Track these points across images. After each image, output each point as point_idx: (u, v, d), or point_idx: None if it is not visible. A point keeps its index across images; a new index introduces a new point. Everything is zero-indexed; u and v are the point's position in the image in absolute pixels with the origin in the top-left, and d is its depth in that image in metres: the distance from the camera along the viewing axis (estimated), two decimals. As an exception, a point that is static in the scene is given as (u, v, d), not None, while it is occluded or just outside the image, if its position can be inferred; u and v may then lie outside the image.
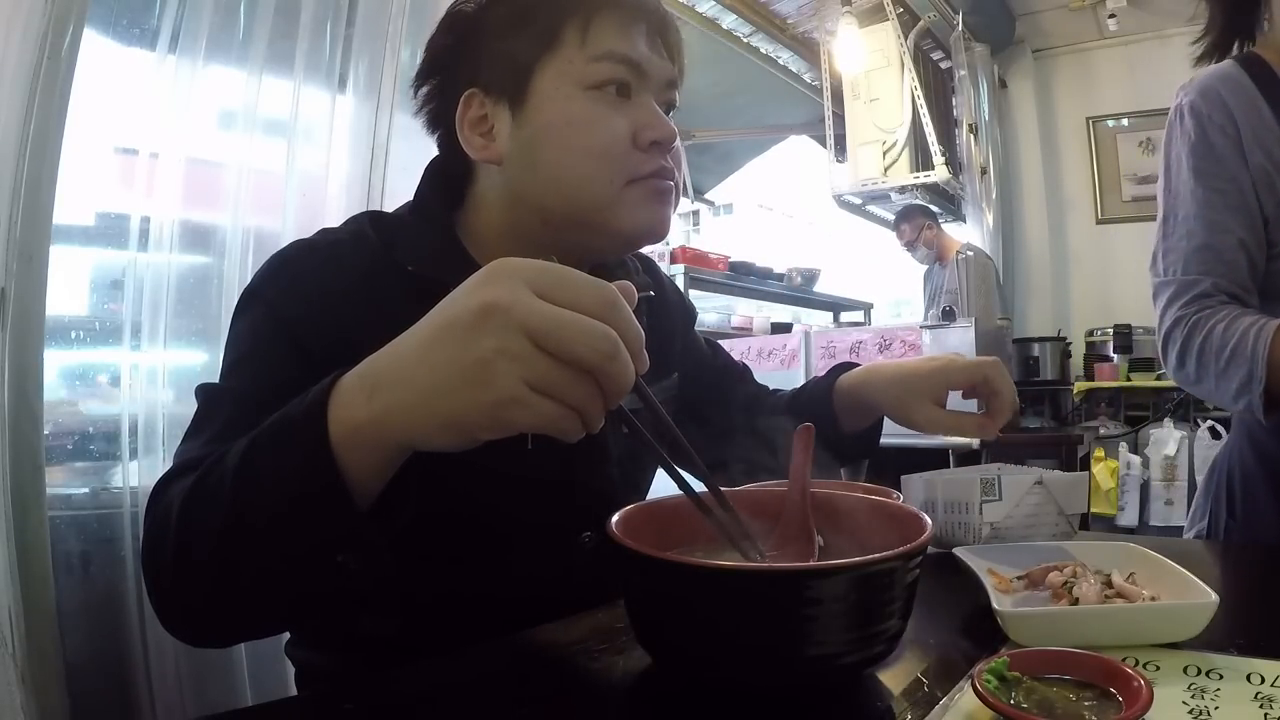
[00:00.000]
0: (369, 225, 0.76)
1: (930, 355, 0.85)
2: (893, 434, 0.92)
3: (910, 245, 4.10)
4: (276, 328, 0.67)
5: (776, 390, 1.02)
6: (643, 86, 0.73)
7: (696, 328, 1.03)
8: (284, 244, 0.74)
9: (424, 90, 0.78)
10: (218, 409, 0.63)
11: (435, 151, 0.81)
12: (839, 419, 0.91)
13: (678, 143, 0.75)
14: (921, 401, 0.84)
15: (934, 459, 2.58)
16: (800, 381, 1.04)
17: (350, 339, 0.53)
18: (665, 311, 0.92)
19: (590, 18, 0.72)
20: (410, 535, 0.53)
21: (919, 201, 4.27)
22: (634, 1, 0.74)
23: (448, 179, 0.79)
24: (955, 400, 0.86)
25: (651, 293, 0.88)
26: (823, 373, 0.96)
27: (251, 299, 0.70)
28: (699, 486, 0.57)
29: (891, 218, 4.34)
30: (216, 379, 0.68)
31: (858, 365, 0.94)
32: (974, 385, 0.85)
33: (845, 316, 4.64)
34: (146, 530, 0.58)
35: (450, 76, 0.76)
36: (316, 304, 0.67)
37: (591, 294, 0.44)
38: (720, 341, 1.07)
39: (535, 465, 0.61)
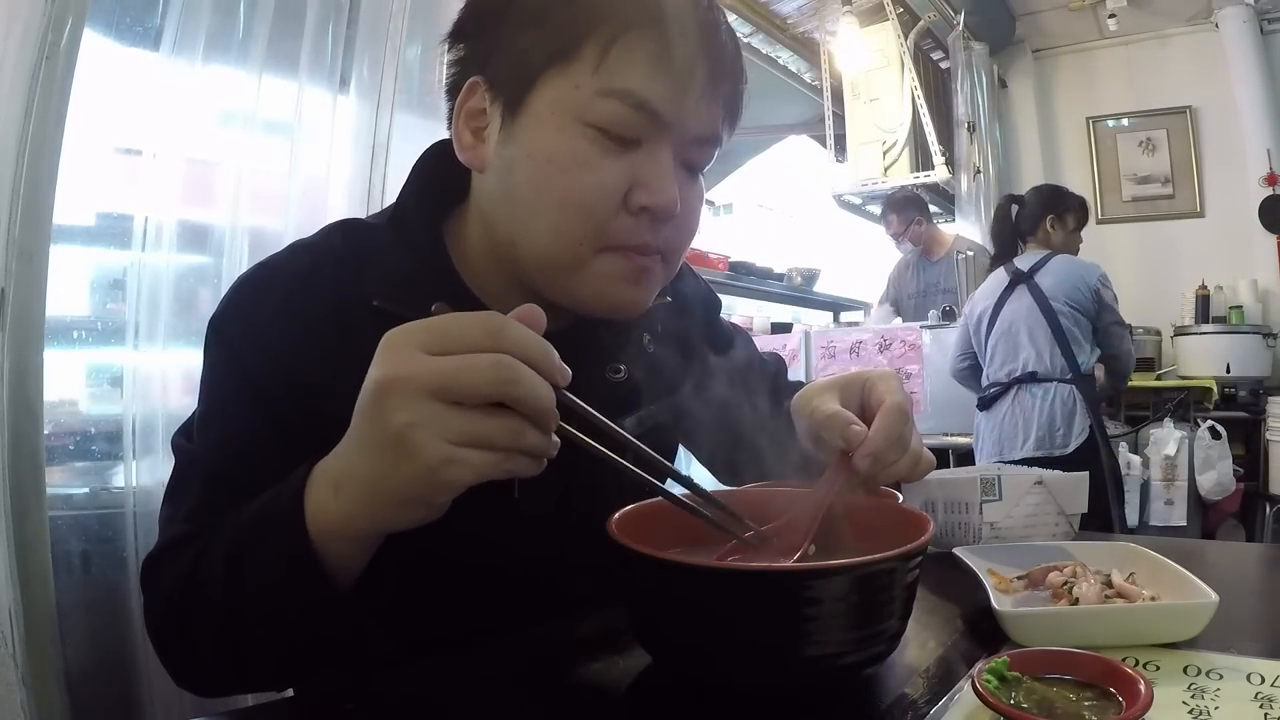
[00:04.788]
0: (340, 240, 0.67)
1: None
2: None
3: (897, 237, 4.02)
4: (239, 380, 0.62)
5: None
6: (660, 137, 0.61)
7: None
8: (284, 244, 0.71)
9: (451, 54, 0.67)
10: (191, 479, 0.62)
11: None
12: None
13: (682, 211, 0.62)
14: (820, 393, 0.65)
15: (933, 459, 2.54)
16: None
17: (317, 386, 0.50)
18: (686, 314, 0.83)
19: (614, 38, 0.59)
20: (411, 574, 0.56)
21: (913, 193, 4.19)
22: (680, 25, 0.60)
23: (447, 174, 0.68)
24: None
25: (669, 298, 0.77)
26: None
27: (215, 335, 0.64)
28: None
29: (892, 218, 4.30)
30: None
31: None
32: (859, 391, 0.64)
33: (845, 316, 4.64)
34: (147, 608, 0.60)
35: (474, 48, 0.65)
36: (276, 351, 0.61)
37: (476, 330, 0.44)
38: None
39: (531, 508, 0.59)
